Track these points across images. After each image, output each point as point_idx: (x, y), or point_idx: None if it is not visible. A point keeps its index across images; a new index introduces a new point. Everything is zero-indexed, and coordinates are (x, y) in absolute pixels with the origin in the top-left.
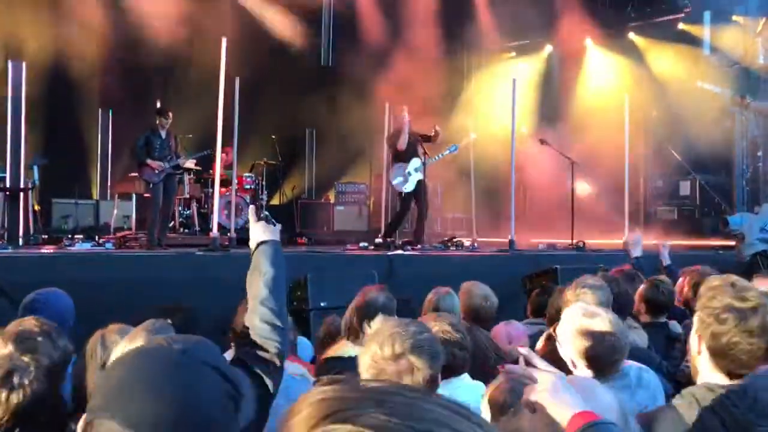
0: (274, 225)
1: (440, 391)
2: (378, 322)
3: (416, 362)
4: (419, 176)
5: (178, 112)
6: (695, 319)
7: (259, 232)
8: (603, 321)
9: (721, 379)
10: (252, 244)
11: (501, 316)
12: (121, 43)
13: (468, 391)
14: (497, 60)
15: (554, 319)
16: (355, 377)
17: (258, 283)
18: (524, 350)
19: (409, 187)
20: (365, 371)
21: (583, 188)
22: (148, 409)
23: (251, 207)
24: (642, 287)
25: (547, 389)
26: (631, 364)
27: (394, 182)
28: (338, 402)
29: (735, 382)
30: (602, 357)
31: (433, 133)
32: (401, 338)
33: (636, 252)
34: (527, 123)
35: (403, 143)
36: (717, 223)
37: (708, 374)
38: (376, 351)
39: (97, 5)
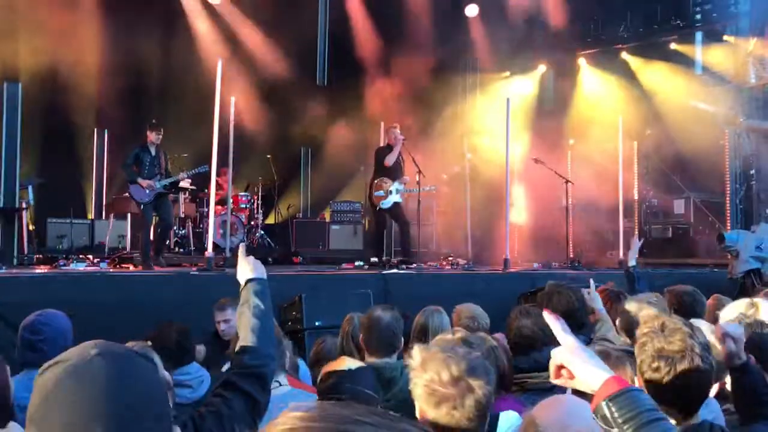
0: (261, 262)
1: None
2: (419, 351)
3: (474, 383)
4: (398, 198)
5: (174, 132)
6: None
7: (247, 269)
8: None
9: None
10: (241, 280)
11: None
12: (118, 63)
13: None
14: (492, 79)
15: (515, 342)
16: (326, 403)
17: (248, 314)
18: (549, 316)
19: (386, 204)
20: (422, 399)
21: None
22: (112, 406)
23: (241, 245)
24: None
25: (573, 351)
26: None
27: (375, 194)
28: None
29: (688, 422)
30: None
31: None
32: (456, 361)
33: (632, 261)
34: (522, 142)
35: (390, 160)
36: (711, 242)
37: None
38: (434, 377)
39: (94, 26)
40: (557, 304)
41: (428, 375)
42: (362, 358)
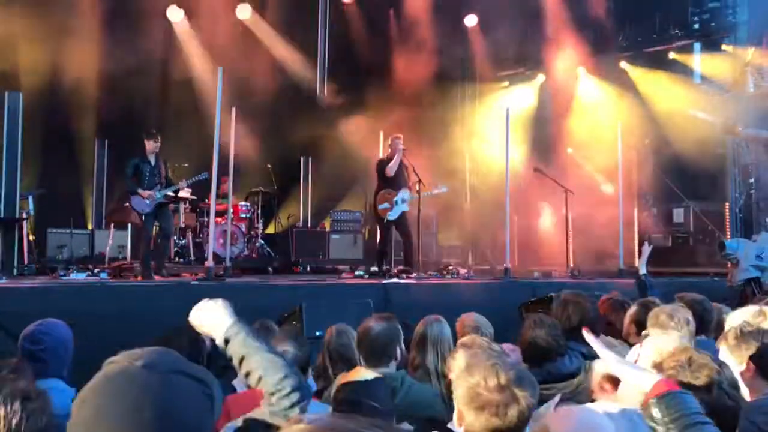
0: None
1: None
2: (464, 355)
3: (519, 393)
4: (405, 207)
5: (174, 142)
6: None
7: (214, 320)
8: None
9: None
10: (217, 338)
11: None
12: (118, 73)
13: None
14: (491, 89)
15: (529, 353)
16: (327, 415)
17: (256, 373)
18: (589, 335)
19: (392, 215)
20: (463, 402)
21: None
22: None
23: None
24: (632, 309)
25: (618, 362)
26: None
27: (380, 207)
28: None
29: None
30: None
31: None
32: (504, 370)
33: (642, 269)
34: (521, 152)
35: (391, 170)
36: (711, 251)
37: None
38: (480, 382)
39: (93, 36)
40: (573, 313)
41: (474, 379)
42: (345, 369)
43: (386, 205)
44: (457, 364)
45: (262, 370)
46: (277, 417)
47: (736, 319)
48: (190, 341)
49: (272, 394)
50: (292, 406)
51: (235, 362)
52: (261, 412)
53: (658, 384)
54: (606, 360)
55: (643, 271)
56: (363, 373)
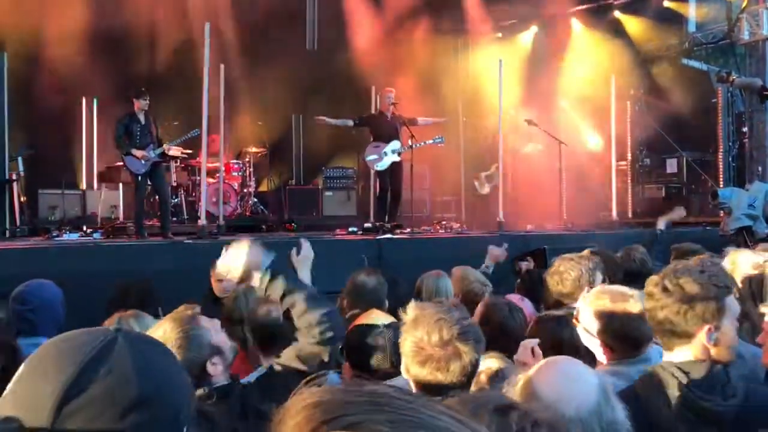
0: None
1: None
2: (415, 308)
3: (462, 348)
4: (395, 158)
5: (163, 100)
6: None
7: (258, 264)
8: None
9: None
10: (258, 277)
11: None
12: (105, 30)
13: None
14: (484, 41)
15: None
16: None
17: (300, 305)
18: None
19: (381, 165)
20: (408, 356)
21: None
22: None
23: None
24: (617, 256)
25: None
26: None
27: (368, 159)
28: (337, 406)
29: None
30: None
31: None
32: (448, 324)
33: (660, 225)
34: (515, 104)
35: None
36: (704, 201)
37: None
38: (423, 337)
39: None
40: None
41: (419, 333)
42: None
43: (374, 156)
44: (407, 317)
45: (306, 303)
46: (315, 348)
47: (744, 263)
48: (140, 292)
49: (315, 325)
50: (331, 339)
51: (277, 295)
52: (288, 356)
53: None
54: None
55: (660, 226)
56: (377, 318)
